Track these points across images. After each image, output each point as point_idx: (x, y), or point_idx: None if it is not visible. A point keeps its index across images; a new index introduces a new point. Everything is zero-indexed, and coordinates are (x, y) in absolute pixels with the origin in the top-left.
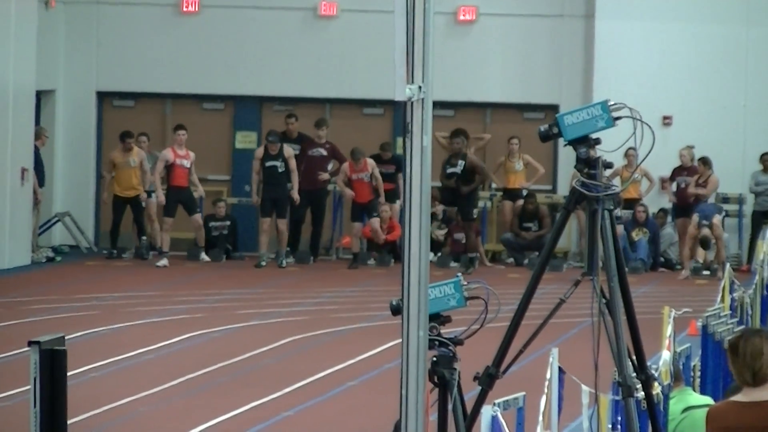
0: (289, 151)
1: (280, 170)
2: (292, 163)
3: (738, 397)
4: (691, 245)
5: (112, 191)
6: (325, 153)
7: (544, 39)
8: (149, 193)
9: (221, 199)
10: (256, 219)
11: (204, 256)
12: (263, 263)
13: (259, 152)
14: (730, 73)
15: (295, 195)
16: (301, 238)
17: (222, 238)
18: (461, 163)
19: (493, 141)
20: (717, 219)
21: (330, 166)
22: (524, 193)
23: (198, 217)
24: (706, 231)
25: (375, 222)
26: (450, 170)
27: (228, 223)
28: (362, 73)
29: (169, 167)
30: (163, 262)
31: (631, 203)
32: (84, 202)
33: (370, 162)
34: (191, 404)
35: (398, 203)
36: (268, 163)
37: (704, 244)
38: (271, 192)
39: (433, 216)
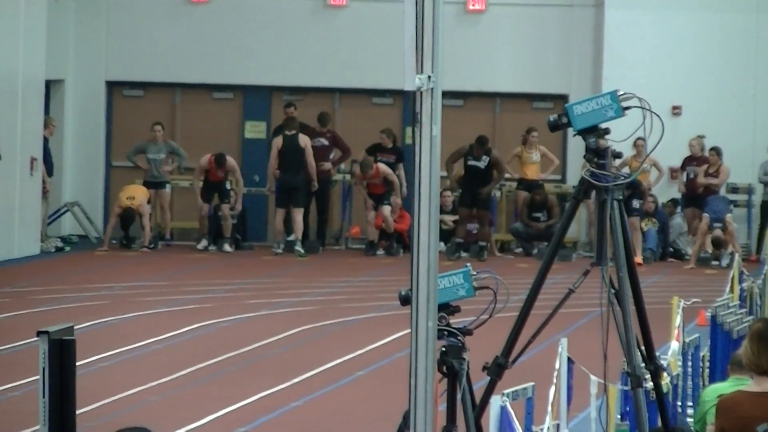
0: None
1: None
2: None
3: (750, 387)
4: (701, 242)
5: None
6: (326, 142)
7: (554, 28)
8: (163, 184)
9: (231, 188)
10: (266, 209)
11: (227, 247)
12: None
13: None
14: (739, 62)
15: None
16: (308, 228)
17: (232, 228)
18: (486, 158)
19: (502, 131)
20: (729, 218)
21: (332, 155)
22: (540, 183)
23: (227, 208)
24: (718, 233)
25: (386, 209)
26: (472, 163)
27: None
28: (372, 63)
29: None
30: (203, 243)
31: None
32: (93, 192)
33: (382, 168)
34: (200, 394)
35: (403, 189)
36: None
37: (717, 244)
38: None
39: (442, 208)
